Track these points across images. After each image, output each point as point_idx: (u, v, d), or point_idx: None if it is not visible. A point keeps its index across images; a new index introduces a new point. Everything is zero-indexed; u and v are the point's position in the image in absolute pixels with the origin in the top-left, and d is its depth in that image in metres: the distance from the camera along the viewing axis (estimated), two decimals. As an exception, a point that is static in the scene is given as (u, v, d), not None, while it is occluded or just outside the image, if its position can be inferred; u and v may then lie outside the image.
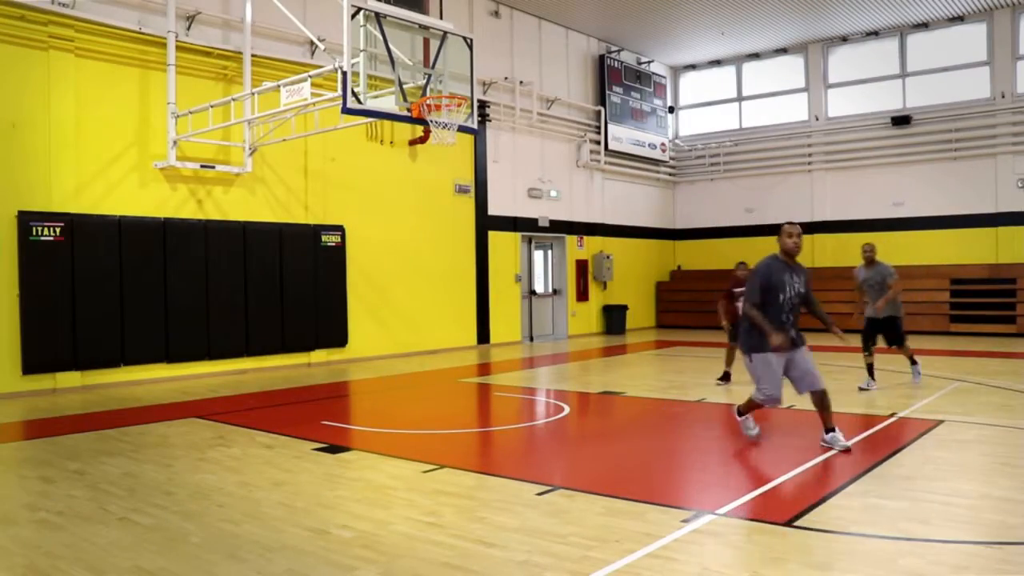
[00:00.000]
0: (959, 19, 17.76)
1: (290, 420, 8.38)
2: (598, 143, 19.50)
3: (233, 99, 11.13)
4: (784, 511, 4.84)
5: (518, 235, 17.47)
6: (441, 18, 11.64)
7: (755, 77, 21.05)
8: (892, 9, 17.28)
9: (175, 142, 11.25)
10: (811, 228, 19.13)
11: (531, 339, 17.89)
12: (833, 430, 6.34)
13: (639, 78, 20.63)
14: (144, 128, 11.37)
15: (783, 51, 20.38)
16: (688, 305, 20.94)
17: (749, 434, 6.69)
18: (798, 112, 20.31)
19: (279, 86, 9.95)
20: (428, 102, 9.31)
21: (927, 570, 3.77)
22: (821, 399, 6.33)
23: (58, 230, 10.31)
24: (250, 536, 4.47)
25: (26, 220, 10.10)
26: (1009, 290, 16.78)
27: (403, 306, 14.80)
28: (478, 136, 15.89)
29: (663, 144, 21.47)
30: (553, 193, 18.37)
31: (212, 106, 11.08)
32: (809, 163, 20.06)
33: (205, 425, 8.02)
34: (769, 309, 6.28)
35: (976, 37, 17.74)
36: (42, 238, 10.19)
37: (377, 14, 9.01)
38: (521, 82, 17.19)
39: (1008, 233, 17.38)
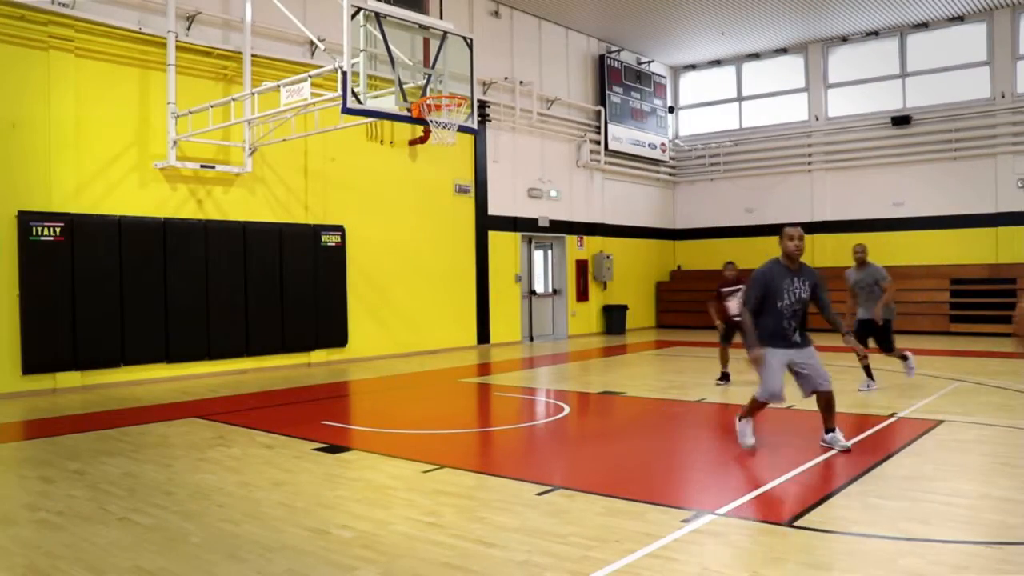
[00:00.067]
0: (959, 19, 17.76)
1: (290, 420, 8.38)
2: (598, 143, 19.51)
3: (233, 99, 11.13)
4: (784, 511, 4.85)
5: (518, 235, 17.47)
6: (441, 18, 11.64)
7: (755, 77, 21.05)
8: (892, 9, 17.28)
9: (175, 142, 11.25)
10: (811, 228, 19.13)
11: (531, 339, 17.89)
12: (833, 430, 6.33)
13: (639, 78, 20.63)
14: (144, 128, 11.38)
15: (783, 51, 20.39)
16: (688, 305, 20.93)
17: (744, 443, 6.32)
18: (798, 112, 20.31)
19: (279, 86, 9.95)
20: (428, 102, 9.31)
21: (927, 570, 3.77)
22: (827, 401, 6.29)
23: (58, 230, 10.31)
24: (250, 536, 4.47)
25: (26, 220, 10.10)
26: (1009, 290, 16.77)
27: (403, 306, 14.80)
28: (478, 136, 15.89)
29: (663, 144, 21.48)
30: (553, 193, 18.37)
31: (212, 106, 11.08)
32: (809, 163, 20.06)
33: (205, 425, 8.02)
34: (768, 315, 6.17)
35: (976, 37, 17.75)
36: (42, 238, 10.19)
37: (377, 14, 9.01)
38: (521, 82, 17.19)
39: (1008, 233, 17.38)
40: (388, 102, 9.31)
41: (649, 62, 21.17)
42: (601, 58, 19.56)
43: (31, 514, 5.00)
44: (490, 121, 16.51)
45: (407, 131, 14.58)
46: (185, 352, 11.59)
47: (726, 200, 21.51)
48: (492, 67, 16.40)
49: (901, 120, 18.42)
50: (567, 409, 8.92)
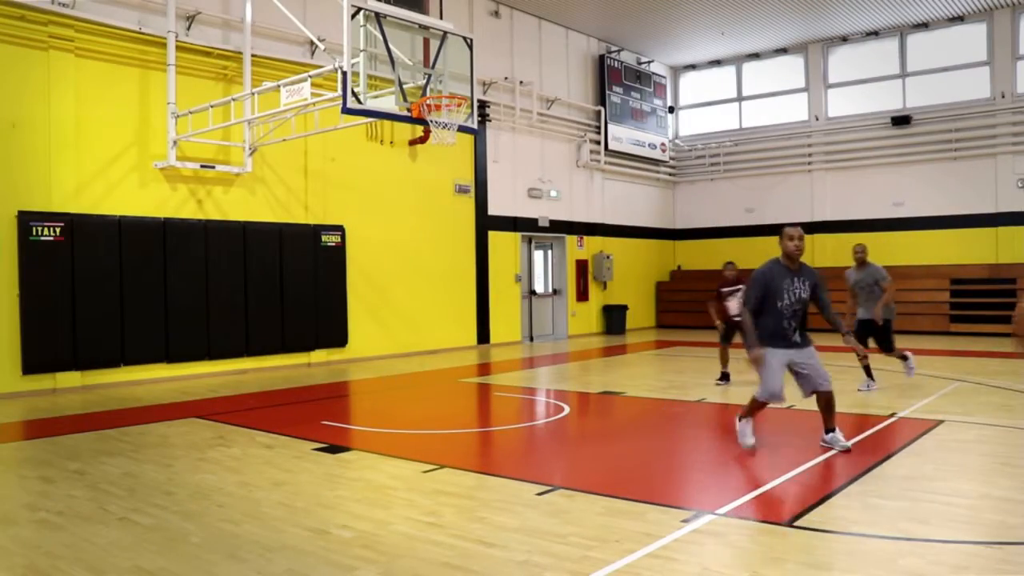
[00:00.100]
0: (959, 19, 17.76)
1: (290, 420, 8.38)
2: (598, 143, 19.51)
3: (233, 99, 11.13)
4: (784, 511, 4.85)
5: (518, 235, 17.47)
6: (441, 18, 11.64)
7: (755, 77, 21.05)
8: (892, 9, 17.28)
9: (175, 142, 11.25)
10: (811, 228, 19.13)
11: (531, 339, 17.89)
12: (833, 430, 6.33)
13: (639, 78, 20.63)
14: (144, 128, 11.38)
15: (783, 51, 20.39)
16: (688, 305, 20.93)
17: (744, 443, 6.31)
18: (798, 112, 20.31)
19: (279, 86, 9.95)
20: (428, 102, 9.31)
21: (927, 570, 3.77)
22: (827, 401, 6.29)
23: (58, 230, 10.31)
24: (250, 536, 4.47)
25: (26, 220, 10.10)
26: (1009, 290, 16.77)
27: (403, 306, 14.80)
28: (478, 136, 15.89)
29: (663, 144, 21.47)
30: (553, 193, 18.37)
31: (212, 106, 11.08)
32: (809, 163, 20.06)
33: (205, 425, 8.02)
34: (768, 315, 6.17)
35: (976, 37, 17.74)
36: (42, 238, 10.19)
37: (377, 14, 9.01)
38: (521, 82, 17.19)
39: (1008, 233, 17.38)
40: (388, 102, 9.31)
41: (649, 62, 21.17)
42: (601, 58, 19.56)
43: (31, 514, 5.00)
44: (490, 121, 16.51)
45: (407, 131, 14.57)
46: (185, 352, 11.59)
47: (726, 200, 21.51)
48: (492, 67, 16.40)
49: (901, 120, 18.42)
50: (567, 409, 8.92)
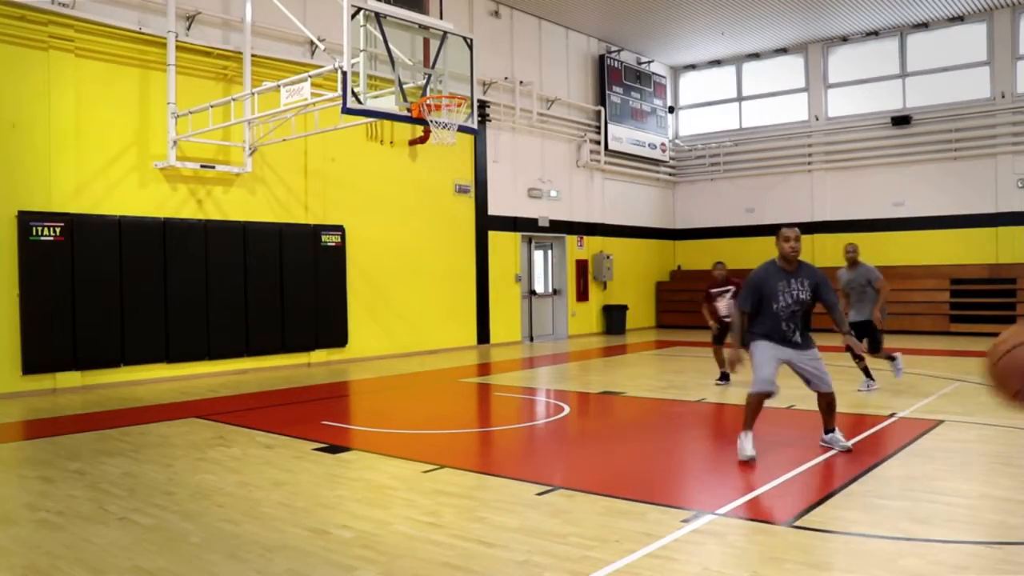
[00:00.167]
0: (959, 19, 17.76)
1: (290, 420, 8.38)
2: (598, 143, 19.50)
3: (233, 99, 11.13)
4: (784, 511, 4.84)
5: (518, 235, 17.46)
6: (441, 18, 11.64)
7: (755, 77, 21.05)
8: (892, 9, 17.28)
9: (175, 142, 11.25)
10: (811, 228, 19.14)
11: (531, 339, 17.89)
12: (833, 430, 6.32)
13: (639, 78, 20.63)
14: (144, 128, 11.37)
15: (783, 51, 20.38)
16: (688, 305, 20.88)
17: (744, 455, 5.95)
18: (798, 112, 20.31)
19: (279, 86, 9.95)
20: (428, 102, 9.31)
21: (927, 570, 3.77)
22: (828, 402, 6.27)
23: (58, 230, 10.30)
24: (250, 536, 4.47)
25: (26, 220, 10.10)
26: (1009, 290, 16.78)
27: (403, 306, 14.80)
28: (478, 136, 15.89)
29: (663, 144, 21.47)
30: (553, 193, 18.37)
31: (212, 106, 11.08)
32: (809, 163, 20.06)
33: (205, 425, 8.02)
34: (765, 317, 6.12)
35: (976, 37, 17.74)
36: (42, 238, 10.19)
37: (377, 14, 9.01)
38: (521, 82, 17.19)
39: (1008, 233, 17.38)
40: (388, 102, 9.31)
41: (649, 62, 21.17)
42: (601, 58, 19.56)
43: (31, 514, 5.00)
44: (490, 121, 16.51)
45: (407, 131, 14.57)
46: (185, 352, 11.59)
47: (726, 200, 21.51)
48: (492, 67, 16.40)
49: (901, 120, 18.42)
50: (567, 409, 8.92)
